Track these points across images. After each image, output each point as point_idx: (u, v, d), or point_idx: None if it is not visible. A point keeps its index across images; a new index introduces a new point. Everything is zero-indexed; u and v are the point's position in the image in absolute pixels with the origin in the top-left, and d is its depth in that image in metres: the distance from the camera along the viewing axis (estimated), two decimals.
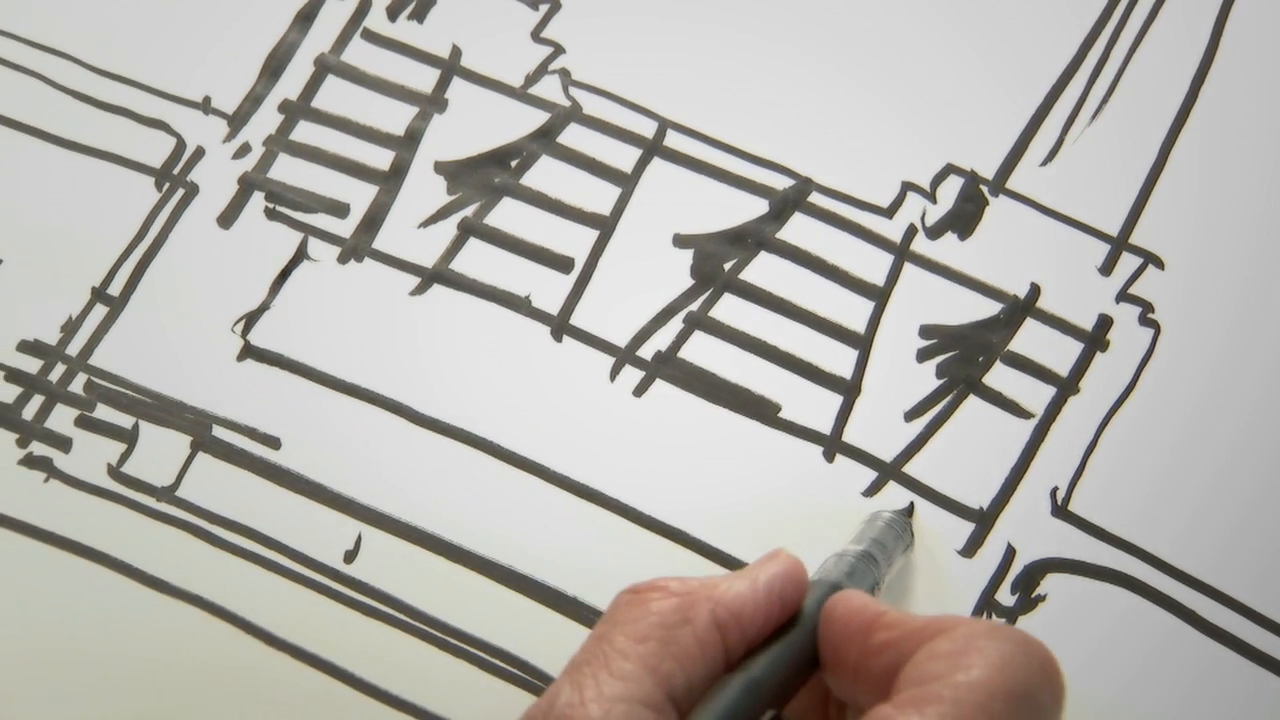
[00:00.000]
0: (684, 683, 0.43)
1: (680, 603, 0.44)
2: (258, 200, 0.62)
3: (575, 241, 0.62)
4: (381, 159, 0.63)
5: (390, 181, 0.63)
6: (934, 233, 0.62)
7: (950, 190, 0.63)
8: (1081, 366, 0.60)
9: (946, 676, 0.42)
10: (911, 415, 0.59)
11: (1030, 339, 0.60)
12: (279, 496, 0.58)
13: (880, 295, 0.61)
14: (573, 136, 0.64)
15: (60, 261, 0.61)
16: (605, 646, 0.43)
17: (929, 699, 0.41)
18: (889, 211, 0.62)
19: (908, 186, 0.63)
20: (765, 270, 0.61)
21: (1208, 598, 0.57)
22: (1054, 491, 0.58)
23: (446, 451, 0.59)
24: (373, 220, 0.62)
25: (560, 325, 0.61)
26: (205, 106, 0.64)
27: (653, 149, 0.63)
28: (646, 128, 0.64)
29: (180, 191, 0.62)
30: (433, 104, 0.64)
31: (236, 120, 0.64)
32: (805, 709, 0.48)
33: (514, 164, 0.63)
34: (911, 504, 0.58)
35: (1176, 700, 0.56)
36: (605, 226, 0.62)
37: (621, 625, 0.44)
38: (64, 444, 0.59)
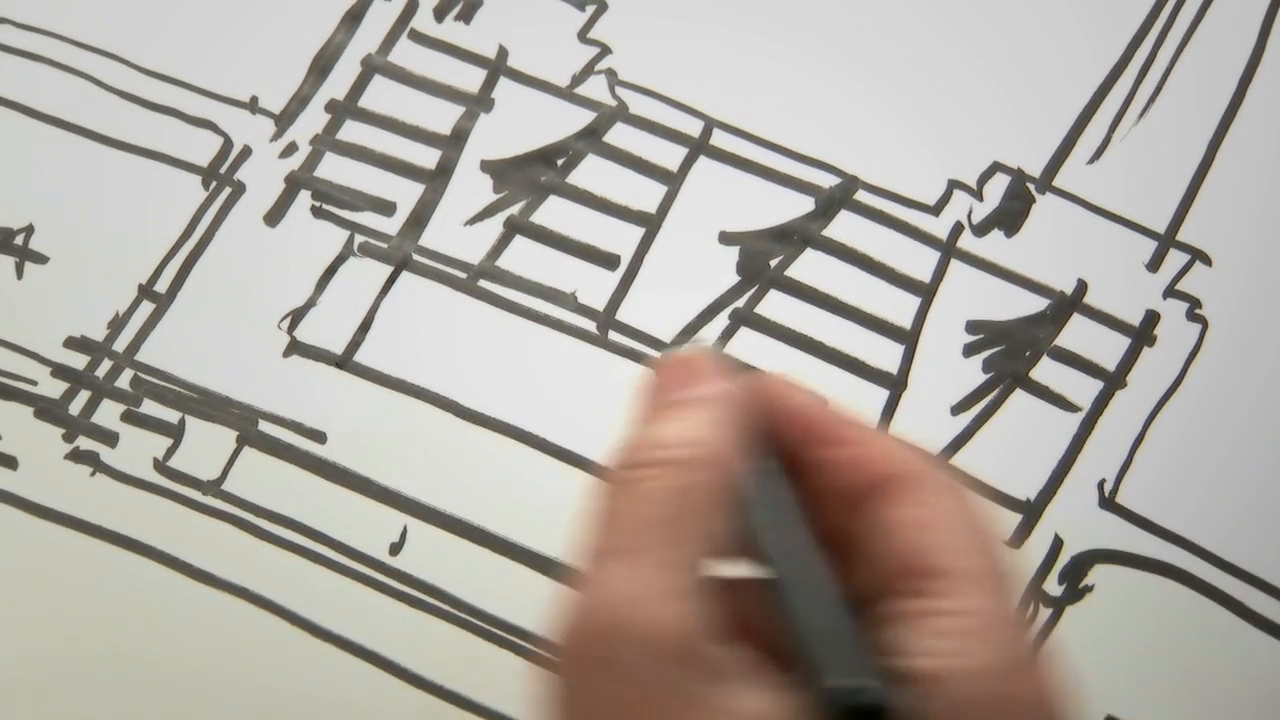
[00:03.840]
0: (708, 551, 0.39)
1: (690, 481, 0.40)
2: (304, 199, 0.62)
3: (621, 239, 0.62)
4: (428, 158, 0.63)
5: (437, 180, 0.63)
6: (981, 230, 0.62)
7: (997, 188, 0.63)
8: (1129, 361, 0.60)
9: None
10: (958, 409, 0.59)
11: (1077, 334, 0.60)
12: (324, 490, 0.58)
13: (927, 292, 0.61)
14: (619, 135, 0.64)
15: (107, 259, 0.61)
16: (643, 537, 0.40)
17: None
18: (935, 209, 0.62)
19: (954, 184, 0.63)
20: (811, 267, 0.61)
21: (1256, 589, 0.56)
22: (1101, 484, 0.58)
23: (491, 446, 0.59)
24: (419, 218, 0.62)
25: (606, 321, 0.61)
26: (253, 106, 0.64)
27: (699, 148, 0.63)
28: (693, 127, 0.64)
29: (227, 190, 0.62)
30: (479, 103, 0.64)
31: (283, 120, 0.64)
32: None
33: (560, 163, 0.63)
34: None
35: (1224, 690, 0.55)
36: (651, 224, 0.62)
37: (635, 506, 0.41)
38: (111, 439, 0.59)
